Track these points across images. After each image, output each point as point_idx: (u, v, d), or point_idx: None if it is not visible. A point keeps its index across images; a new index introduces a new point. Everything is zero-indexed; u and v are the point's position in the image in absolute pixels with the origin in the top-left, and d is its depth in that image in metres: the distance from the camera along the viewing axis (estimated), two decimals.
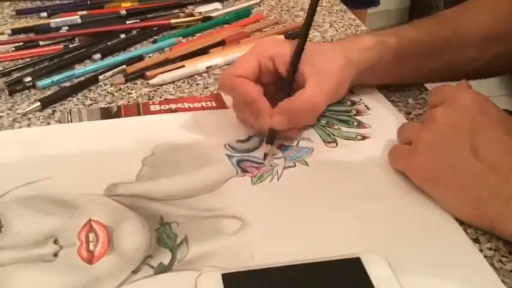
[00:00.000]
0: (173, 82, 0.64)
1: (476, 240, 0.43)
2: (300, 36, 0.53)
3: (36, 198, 0.46)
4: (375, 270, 0.39)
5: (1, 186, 0.47)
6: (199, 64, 0.66)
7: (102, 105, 0.60)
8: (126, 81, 0.64)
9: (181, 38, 0.74)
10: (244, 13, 0.80)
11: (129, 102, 0.60)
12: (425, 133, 0.46)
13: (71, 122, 0.57)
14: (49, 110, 0.58)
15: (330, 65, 0.54)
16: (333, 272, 0.40)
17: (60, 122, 0.57)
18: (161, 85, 0.63)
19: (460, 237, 0.43)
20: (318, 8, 0.80)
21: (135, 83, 0.64)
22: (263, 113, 0.51)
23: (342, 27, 0.77)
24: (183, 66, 0.65)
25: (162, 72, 0.64)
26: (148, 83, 0.64)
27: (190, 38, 0.75)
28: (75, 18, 0.77)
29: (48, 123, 0.56)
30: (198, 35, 0.76)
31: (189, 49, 0.70)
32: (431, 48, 0.58)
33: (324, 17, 0.79)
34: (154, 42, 0.73)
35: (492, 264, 0.41)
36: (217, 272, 0.39)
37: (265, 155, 0.52)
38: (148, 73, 0.64)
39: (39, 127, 0.56)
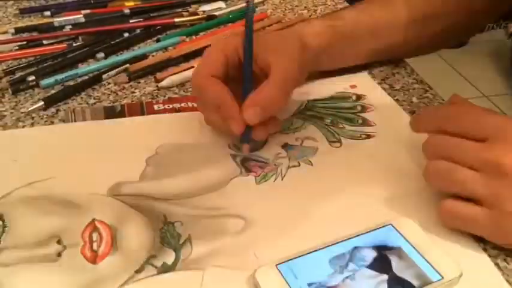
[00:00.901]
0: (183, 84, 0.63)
1: (480, 240, 0.43)
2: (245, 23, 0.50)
3: (40, 198, 0.46)
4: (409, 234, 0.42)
5: (5, 185, 0.47)
6: None
7: (106, 104, 0.60)
8: (130, 80, 0.64)
9: (184, 36, 0.74)
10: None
11: (132, 101, 0.60)
12: (508, 191, 0.40)
13: (75, 121, 0.57)
14: (52, 109, 0.58)
15: (291, 51, 0.53)
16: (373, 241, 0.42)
17: (63, 121, 0.57)
18: (171, 87, 0.62)
19: (464, 236, 0.43)
20: (323, 7, 0.81)
21: (139, 82, 0.64)
22: (232, 116, 0.48)
23: None
24: (193, 67, 0.65)
25: (172, 74, 0.64)
26: (152, 82, 0.64)
27: (194, 37, 0.75)
28: (79, 17, 0.77)
29: (52, 123, 0.56)
30: (201, 34, 0.76)
31: (193, 48, 0.70)
32: (374, 29, 0.61)
33: None
34: (158, 41, 0.73)
35: (496, 264, 0.42)
36: (272, 264, 0.40)
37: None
38: (158, 75, 0.64)
39: (43, 126, 0.56)
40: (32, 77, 0.62)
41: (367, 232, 0.42)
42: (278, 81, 0.49)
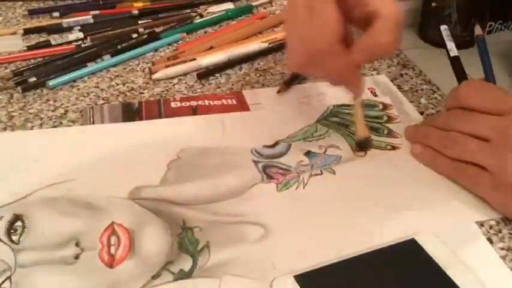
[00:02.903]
0: (178, 79, 0.63)
1: (488, 240, 0.43)
2: None
3: (61, 199, 0.46)
4: (432, 249, 0.41)
5: (26, 186, 0.47)
6: (203, 60, 0.65)
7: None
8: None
9: (185, 34, 0.74)
10: (246, 8, 0.80)
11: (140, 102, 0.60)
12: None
13: (93, 117, 0.57)
14: (61, 110, 0.58)
15: None
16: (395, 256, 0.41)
17: (72, 122, 0.56)
18: (164, 80, 0.62)
19: (488, 252, 0.42)
20: None
21: (147, 83, 0.63)
22: (354, 89, 0.52)
23: None
24: (194, 59, 0.65)
25: (167, 66, 0.64)
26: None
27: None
28: (87, 18, 0.77)
29: (61, 123, 0.56)
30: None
31: (197, 46, 0.70)
32: None
33: None
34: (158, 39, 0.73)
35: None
36: (289, 275, 0.39)
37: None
38: (152, 68, 0.64)
39: (65, 127, 0.56)
40: (33, 78, 0.62)
41: (389, 246, 0.41)
42: (389, 27, 0.46)
